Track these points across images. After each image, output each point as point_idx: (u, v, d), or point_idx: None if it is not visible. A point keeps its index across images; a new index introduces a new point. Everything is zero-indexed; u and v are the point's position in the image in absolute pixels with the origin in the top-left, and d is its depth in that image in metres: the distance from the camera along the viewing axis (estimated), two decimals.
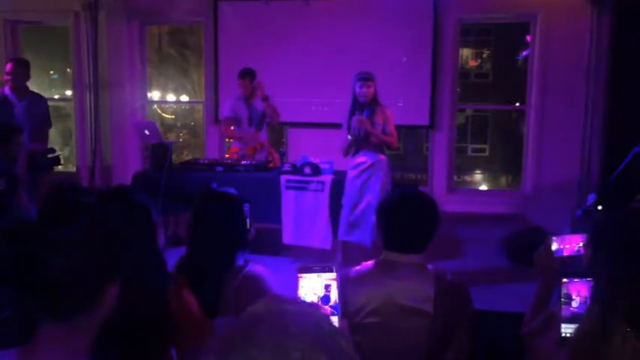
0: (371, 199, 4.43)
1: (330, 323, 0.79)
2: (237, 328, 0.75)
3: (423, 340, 1.83)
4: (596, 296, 1.15)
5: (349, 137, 4.52)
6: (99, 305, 1.07)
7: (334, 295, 1.40)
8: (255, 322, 0.74)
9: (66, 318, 1.04)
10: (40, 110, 5.14)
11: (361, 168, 4.53)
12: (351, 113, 4.50)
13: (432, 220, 1.95)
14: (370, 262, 1.99)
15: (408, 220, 1.92)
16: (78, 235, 1.05)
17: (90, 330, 1.08)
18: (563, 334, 1.31)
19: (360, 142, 4.53)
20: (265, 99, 5.26)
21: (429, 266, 1.93)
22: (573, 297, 1.32)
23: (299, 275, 1.40)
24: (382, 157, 4.56)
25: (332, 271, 1.40)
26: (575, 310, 1.31)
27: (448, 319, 1.85)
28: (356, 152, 4.59)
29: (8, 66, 4.99)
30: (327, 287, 1.40)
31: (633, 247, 1.29)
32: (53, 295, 1.02)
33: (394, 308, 1.84)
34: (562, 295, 1.33)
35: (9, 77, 4.94)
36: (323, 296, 1.40)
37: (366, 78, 4.44)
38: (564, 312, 1.32)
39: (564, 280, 1.34)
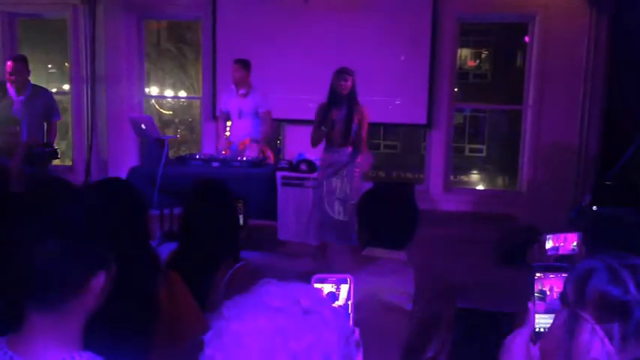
0: (347, 197, 4.41)
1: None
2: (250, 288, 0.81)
3: (403, 337, 1.82)
4: (563, 292, 1.16)
5: (323, 129, 4.45)
6: (86, 294, 1.06)
7: (343, 297, 1.40)
8: (266, 283, 0.81)
9: (52, 307, 1.03)
10: (41, 103, 5.19)
11: (336, 167, 4.51)
12: (328, 106, 4.45)
13: (411, 215, 1.95)
14: (352, 258, 1.99)
15: (388, 215, 1.91)
16: (65, 222, 1.04)
17: (78, 318, 1.08)
18: (537, 329, 1.31)
19: (336, 138, 4.47)
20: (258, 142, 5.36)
21: (411, 263, 1.92)
22: (547, 292, 1.32)
23: (313, 285, 1.40)
24: (362, 160, 4.54)
25: (346, 283, 1.41)
26: (549, 305, 1.31)
27: (428, 318, 1.83)
28: (330, 148, 4.55)
29: (8, 65, 5.10)
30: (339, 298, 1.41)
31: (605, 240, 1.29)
32: (39, 283, 1.01)
33: (374, 305, 1.81)
34: (536, 290, 1.33)
35: (12, 77, 5.09)
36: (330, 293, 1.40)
37: (345, 71, 4.42)
38: (538, 307, 1.32)
39: (538, 274, 1.33)
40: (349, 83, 4.40)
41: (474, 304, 3.46)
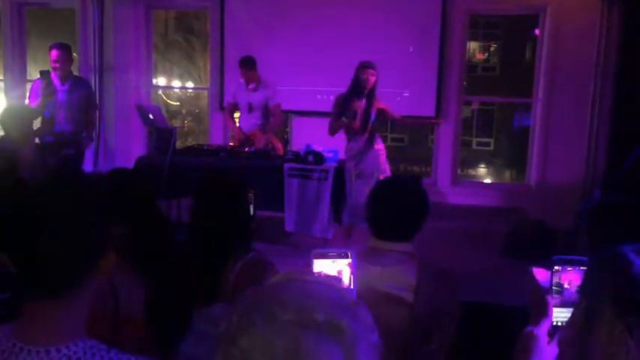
0: (370, 180, 4.48)
1: (352, 296, 0.81)
2: (261, 291, 0.77)
3: (403, 329, 1.80)
4: (582, 285, 1.14)
5: (344, 119, 4.59)
6: (87, 281, 1.05)
7: (346, 280, 1.39)
8: (279, 287, 0.77)
9: (53, 295, 1.02)
10: (80, 93, 5.26)
11: (358, 153, 4.66)
12: (348, 97, 4.58)
13: (418, 207, 1.92)
14: (356, 248, 1.97)
15: (394, 207, 1.89)
16: (70, 208, 1.02)
17: (82, 306, 1.07)
18: (554, 323, 1.29)
19: (357, 128, 4.61)
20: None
21: (417, 256, 1.90)
22: (565, 286, 1.30)
23: (313, 260, 1.38)
24: (381, 145, 4.73)
25: (347, 257, 1.39)
26: (567, 299, 1.29)
27: (429, 310, 1.81)
28: (352, 137, 4.68)
29: (53, 53, 5.15)
30: (340, 273, 1.40)
31: (609, 233, 1.27)
32: (43, 269, 0.99)
33: (374, 294, 1.79)
34: (554, 284, 1.30)
35: (57, 65, 5.14)
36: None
37: (371, 66, 4.55)
38: (555, 301, 1.30)
39: (556, 267, 1.31)
40: (374, 78, 4.54)
41: (479, 297, 3.45)
